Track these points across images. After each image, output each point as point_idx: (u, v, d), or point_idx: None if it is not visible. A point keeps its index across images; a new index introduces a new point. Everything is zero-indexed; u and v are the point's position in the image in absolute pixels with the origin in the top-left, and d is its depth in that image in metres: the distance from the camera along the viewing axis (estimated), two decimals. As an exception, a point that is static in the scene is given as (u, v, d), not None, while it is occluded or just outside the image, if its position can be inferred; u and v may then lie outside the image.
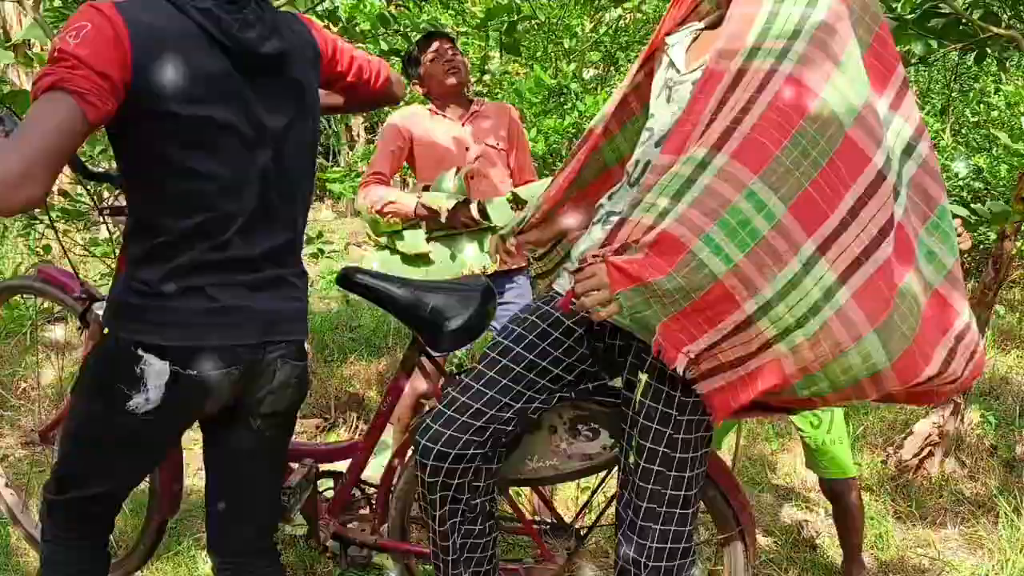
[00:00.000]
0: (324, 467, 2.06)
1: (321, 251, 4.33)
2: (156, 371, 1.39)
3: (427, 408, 1.75)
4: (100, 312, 1.73)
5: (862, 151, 1.31)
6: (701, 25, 1.65)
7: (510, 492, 1.97)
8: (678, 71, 1.58)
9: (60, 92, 1.22)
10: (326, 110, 1.80)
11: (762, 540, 2.82)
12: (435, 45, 2.81)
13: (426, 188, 2.68)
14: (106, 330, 1.46)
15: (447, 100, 2.85)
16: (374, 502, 2.01)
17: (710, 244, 1.27)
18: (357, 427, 3.57)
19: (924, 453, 3.36)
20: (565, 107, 5.22)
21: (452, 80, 2.78)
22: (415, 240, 2.64)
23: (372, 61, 1.77)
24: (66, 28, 1.25)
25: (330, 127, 11.71)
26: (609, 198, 1.67)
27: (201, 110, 1.33)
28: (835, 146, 1.30)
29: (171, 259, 1.38)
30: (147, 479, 2.00)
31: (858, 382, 1.34)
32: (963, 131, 7.80)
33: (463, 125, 2.84)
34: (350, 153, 10.76)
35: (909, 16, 2.69)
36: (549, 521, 1.94)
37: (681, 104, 1.53)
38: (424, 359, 1.92)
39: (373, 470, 3.14)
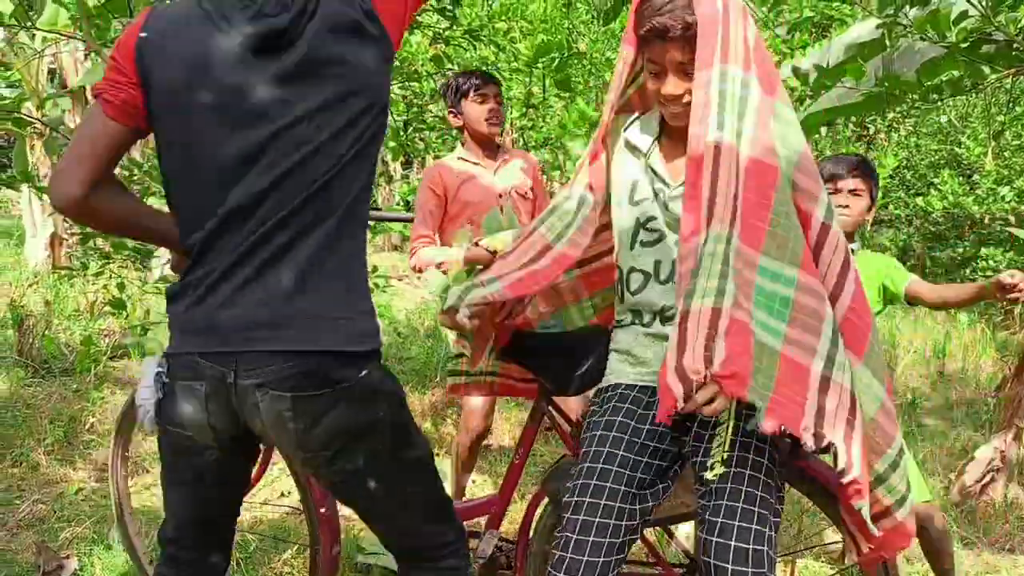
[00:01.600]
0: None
1: (376, 285, 4.43)
2: None
3: (558, 498, 1.72)
4: None
5: (811, 193, 1.47)
6: (655, 126, 1.69)
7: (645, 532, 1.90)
8: (667, 184, 1.65)
9: (95, 99, 1.36)
10: None
11: (820, 565, 2.81)
12: (484, 89, 2.85)
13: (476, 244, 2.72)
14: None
15: (479, 145, 2.92)
16: (512, 557, 2.03)
17: (762, 326, 1.36)
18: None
19: (986, 479, 3.33)
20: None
21: (492, 129, 2.86)
22: None
23: None
24: None
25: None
26: (633, 293, 1.69)
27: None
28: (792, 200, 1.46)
29: None
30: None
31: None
32: (1005, 154, 7.75)
33: (495, 173, 2.92)
34: (387, 187, 10.93)
35: (963, 44, 2.72)
36: (683, 562, 1.94)
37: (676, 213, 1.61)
38: (551, 408, 1.98)
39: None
